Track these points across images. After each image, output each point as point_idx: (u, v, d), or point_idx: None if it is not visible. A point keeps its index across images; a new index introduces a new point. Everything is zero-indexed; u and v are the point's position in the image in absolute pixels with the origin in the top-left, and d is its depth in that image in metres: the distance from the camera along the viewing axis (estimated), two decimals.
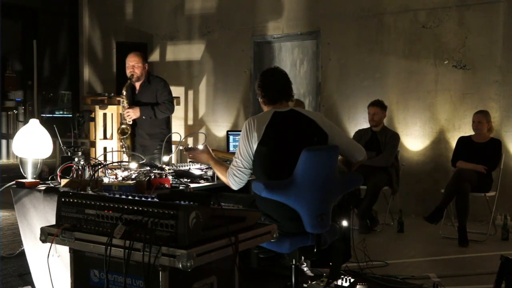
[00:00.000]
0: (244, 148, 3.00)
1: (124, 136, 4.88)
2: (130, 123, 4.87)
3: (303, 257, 3.11)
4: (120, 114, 5.01)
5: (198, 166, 3.62)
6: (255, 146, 2.97)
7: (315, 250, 2.97)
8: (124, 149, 4.89)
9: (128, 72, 4.85)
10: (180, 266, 1.88)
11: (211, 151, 3.31)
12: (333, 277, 3.39)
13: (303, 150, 2.84)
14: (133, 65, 4.83)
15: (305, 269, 3.91)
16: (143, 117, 4.85)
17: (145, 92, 4.92)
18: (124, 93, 4.84)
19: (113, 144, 6.98)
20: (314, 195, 2.89)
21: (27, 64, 9.29)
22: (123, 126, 4.88)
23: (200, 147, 3.39)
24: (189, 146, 3.48)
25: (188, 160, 3.59)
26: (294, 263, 3.02)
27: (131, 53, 4.92)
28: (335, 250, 3.28)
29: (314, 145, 3.00)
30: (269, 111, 3.09)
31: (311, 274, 3.89)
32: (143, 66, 4.87)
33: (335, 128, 3.21)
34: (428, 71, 6.51)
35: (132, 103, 4.88)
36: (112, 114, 7.11)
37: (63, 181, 3.03)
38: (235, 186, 3.10)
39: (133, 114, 4.82)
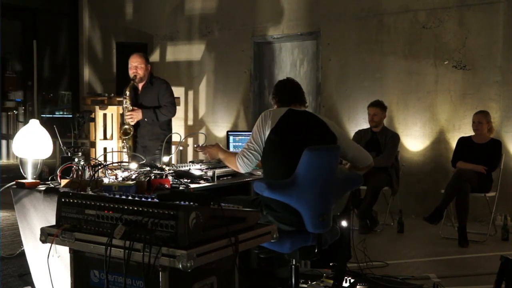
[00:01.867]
0: (257, 133, 3.11)
1: (127, 137, 4.88)
2: (133, 123, 4.87)
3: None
4: (121, 114, 5.01)
5: (198, 166, 3.62)
6: (267, 133, 3.07)
7: (316, 250, 2.97)
8: (126, 149, 4.89)
9: (131, 73, 4.83)
10: (180, 266, 1.88)
11: (221, 145, 3.47)
12: (339, 279, 3.40)
13: (305, 149, 2.87)
14: (136, 66, 4.82)
15: None
16: (145, 119, 4.86)
17: (148, 93, 4.92)
18: (127, 93, 4.84)
19: (113, 144, 6.97)
20: (315, 194, 2.90)
21: (27, 65, 9.28)
22: (126, 126, 4.88)
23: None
24: (201, 144, 3.64)
25: (200, 156, 3.70)
26: (294, 263, 3.02)
27: (134, 54, 4.90)
28: (341, 255, 3.32)
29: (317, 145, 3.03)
30: (284, 108, 3.21)
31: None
32: (146, 67, 4.86)
33: (344, 134, 3.35)
34: (428, 71, 6.51)
35: (134, 104, 4.88)
36: (112, 114, 7.10)
37: (63, 182, 3.03)
38: (242, 168, 3.20)
39: (135, 117, 4.83)
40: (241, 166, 3.20)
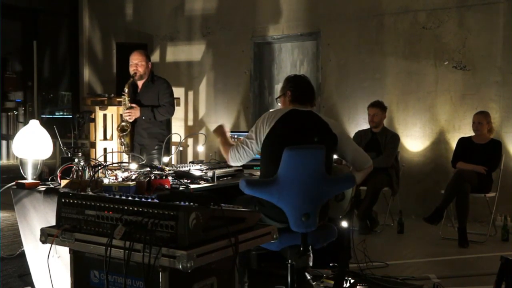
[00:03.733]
0: (256, 132, 3.13)
1: (124, 134, 4.87)
2: (131, 121, 4.86)
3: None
4: (121, 114, 5.00)
5: (198, 167, 3.62)
6: (266, 133, 3.09)
7: (301, 249, 2.98)
8: (123, 147, 4.88)
9: (131, 70, 4.83)
10: (180, 267, 1.88)
11: (225, 128, 3.52)
12: (339, 281, 3.40)
13: (284, 149, 2.88)
14: (137, 63, 4.81)
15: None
16: (143, 117, 4.85)
17: (148, 91, 4.90)
18: (126, 90, 4.83)
19: (113, 144, 6.98)
20: (297, 194, 2.91)
21: (27, 65, 9.29)
22: (123, 123, 4.88)
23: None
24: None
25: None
26: (290, 262, 3.02)
27: (135, 51, 4.90)
28: (341, 257, 3.32)
29: (315, 145, 3.03)
30: (288, 107, 3.19)
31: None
32: (146, 65, 4.85)
33: (346, 135, 3.30)
34: (428, 72, 6.51)
35: (133, 102, 4.87)
36: (112, 115, 7.11)
37: (63, 182, 3.03)
38: (232, 160, 3.27)
39: (133, 114, 4.82)
40: (231, 158, 3.26)
